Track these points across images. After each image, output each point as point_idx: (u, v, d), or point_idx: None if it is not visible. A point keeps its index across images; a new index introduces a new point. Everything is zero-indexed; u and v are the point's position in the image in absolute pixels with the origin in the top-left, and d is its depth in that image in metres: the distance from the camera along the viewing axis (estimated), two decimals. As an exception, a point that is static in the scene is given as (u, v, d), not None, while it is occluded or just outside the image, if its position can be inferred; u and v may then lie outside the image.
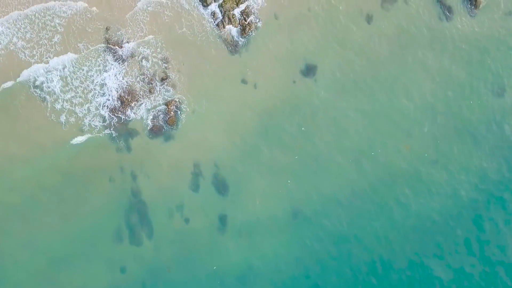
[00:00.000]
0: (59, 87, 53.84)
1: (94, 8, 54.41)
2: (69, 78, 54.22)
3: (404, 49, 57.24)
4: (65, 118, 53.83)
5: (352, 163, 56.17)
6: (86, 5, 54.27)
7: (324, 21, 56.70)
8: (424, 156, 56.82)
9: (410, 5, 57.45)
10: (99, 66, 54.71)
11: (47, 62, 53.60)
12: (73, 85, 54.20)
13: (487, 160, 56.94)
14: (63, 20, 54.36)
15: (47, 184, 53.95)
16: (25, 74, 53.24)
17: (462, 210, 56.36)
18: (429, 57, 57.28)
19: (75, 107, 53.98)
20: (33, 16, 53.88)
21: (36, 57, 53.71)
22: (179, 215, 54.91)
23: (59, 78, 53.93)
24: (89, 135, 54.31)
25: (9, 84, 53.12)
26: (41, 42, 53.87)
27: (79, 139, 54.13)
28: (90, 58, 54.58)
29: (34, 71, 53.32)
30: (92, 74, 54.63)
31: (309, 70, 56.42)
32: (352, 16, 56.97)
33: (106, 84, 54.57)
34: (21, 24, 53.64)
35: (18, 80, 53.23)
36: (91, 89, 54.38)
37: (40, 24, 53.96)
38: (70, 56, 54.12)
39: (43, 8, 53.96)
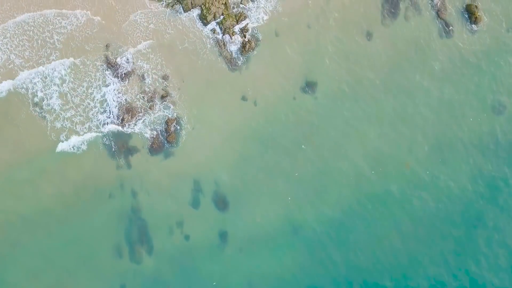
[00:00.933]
0: (58, 104, 53.75)
1: (96, 21, 54.16)
2: (69, 95, 54.11)
3: (404, 66, 57.34)
4: (65, 136, 53.71)
5: (352, 180, 56.23)
6: (86, 19, 54.09)
7: (324, 38, 56.79)
8: (425, 174, 56.84)
9: (410, 22, 57.53)
10: (99, 82, 54.60)
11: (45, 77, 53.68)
12: (73, 103, 54.09)
13: (488, 177, 57.07)
14: (62, 37, 54.21)
15: (47, 200, 53.81)
16: (23, 77, 53.07)
17: (465, 229, 56.54)
18: (429, 74, 57.33)
19: (75, 125, 53.88)
20: (31, 32, 53.74)
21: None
22: (179, 232, 54.89)
23: (58, 95, 53.87)
24: (89, 152, 54.17)
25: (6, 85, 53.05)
26: (40, 61, 53.80)
27: (79, 156, 53.95)
28: (90, 74, 54.48)
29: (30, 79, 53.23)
30: (92, 91, 54.53)
31: (309, 87, 56.45)
32: (352, 33, 57.03)
33: (106, 101, 54.48)
34: (19, 41, 53.53)
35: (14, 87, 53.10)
36: (92, 107, 54.30)
37: (39, 41, 53.82)
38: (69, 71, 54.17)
39: (42, 22, 53.77)
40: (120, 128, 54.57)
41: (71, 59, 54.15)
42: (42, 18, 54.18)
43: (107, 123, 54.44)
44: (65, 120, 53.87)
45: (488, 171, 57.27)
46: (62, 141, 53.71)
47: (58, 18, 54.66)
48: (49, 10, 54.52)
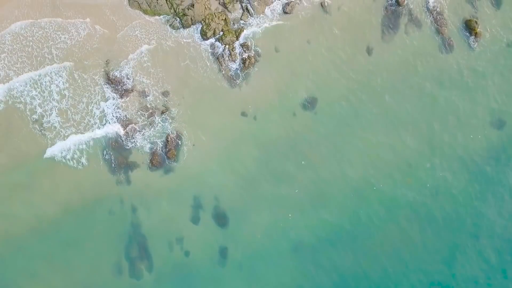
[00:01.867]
0: (58, 121, 53.66)
1: (96, 37, 54.06)
2: (69, 112, 54.03)
3: (405, 81, 57.32)
4: (64, 152, 53.59)
5: (353, 197, 56.10)
6: (86, 34, 54.00)
7: (324, 54, 56.72)
8: (426, 187, 56.74)
9: (411, 37, 57.54)
10: (98, 97, 54.53)
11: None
12: (73, 119, 54.00)
13: (488, 193, 57.00)
14: (61, 52, 54.10)
15: (47, 216, 53.66)
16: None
17: (467, 241, 56.46)
18: (429, 90, 57.35)
19: (76, 144, 53.82)
20: (30, 48, 53.72)
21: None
22: (179, 248, 54.68)
23: (57, 112, 53.79)
24: (89, 167, 54.04)
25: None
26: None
27: (79, 172, 53.82)
28: (89, 90, 54.41)
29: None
30: (92, 107, 54.46)
31: (309, 103, 56.38)
32: (353, 48, 57.02)
33: (106, 117, 54.40)
34: (18, 57, 53.53)
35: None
36: (92, 123, 54.20)
37: (39, 58, 53.79)
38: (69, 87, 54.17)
39: (42, 36, 53.68)
40: (120, 143, 54.43)
41: (72, 73, 54.11)
42: (41, 32, 54.04)
43: (107, 138, 54.31)
44: (65, 137, 53.78)
45: (491, 183, 57.18)
46: (62, 158, 53.61)
47: (58, 33, 54.58)
48: (51, 22, 54.41)
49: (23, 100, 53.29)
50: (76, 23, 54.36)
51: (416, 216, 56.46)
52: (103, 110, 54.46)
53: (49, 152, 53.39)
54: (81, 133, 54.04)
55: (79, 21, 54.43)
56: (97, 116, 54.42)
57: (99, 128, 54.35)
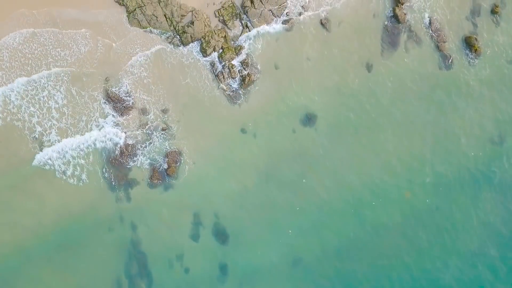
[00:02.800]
0: (57, 139, 53.74)
1: (96, 54, 54.13)
2: (69, 131, 54.04)
3: (404, 98, 57.37)
4: (64, 168, 53.57)
5: (353, 213, 56.15)
6: (86, 51, 54.05)
7: (323, 70, 56.71)
8: (425, 203, 56.71)
9: (411, 54, 57.52)
10: (97, 114, 54.55)
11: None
12: (75, 137, 54.10)
13: (489, 209, 56.98)
14: (60, 69, 54.23)
15: (46, 233, 53.63)
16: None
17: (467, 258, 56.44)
18: (428, 106, 57.31)
19: (76, 158, 53.75)
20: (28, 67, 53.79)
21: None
22: (179, 265, 54.65)
23: (57, 130, 53.83)
24: (90, 184, 54.03)
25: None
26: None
27: (80, 188, 53.80)
28: (88, 107, 54.38)
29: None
30: (91, 125, 54.49)
31: (309, 119, 56.37)
32: (352, 64, 57.03)
33: (106, 135, 54.40)
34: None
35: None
36: (91, 142, 54.20)
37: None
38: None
39: (41, 53, 53.72)
40: (120, 160, 54.42)
41: (70, 89, 54.10)
42: (41, 49, 54.05)
43: (107, 156, 54.31)
44: (65, 154, 53.77)
45: (492, 202, 57.15)
46: (62, 175, 53.60)
47: (57, 50, 54.59)
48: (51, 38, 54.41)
49: (21, 118, 53.24)
50: (76, 39, 54.31)
51: (414, 232, 56.46)
52: (103, 127, 54.41)
53: (46, 166, 53.25)
54: (81, 150, 54.01)
55: (80, 37, 54.37)
56: (96, 133, 54.35)
57: (99, 145, 54.29)
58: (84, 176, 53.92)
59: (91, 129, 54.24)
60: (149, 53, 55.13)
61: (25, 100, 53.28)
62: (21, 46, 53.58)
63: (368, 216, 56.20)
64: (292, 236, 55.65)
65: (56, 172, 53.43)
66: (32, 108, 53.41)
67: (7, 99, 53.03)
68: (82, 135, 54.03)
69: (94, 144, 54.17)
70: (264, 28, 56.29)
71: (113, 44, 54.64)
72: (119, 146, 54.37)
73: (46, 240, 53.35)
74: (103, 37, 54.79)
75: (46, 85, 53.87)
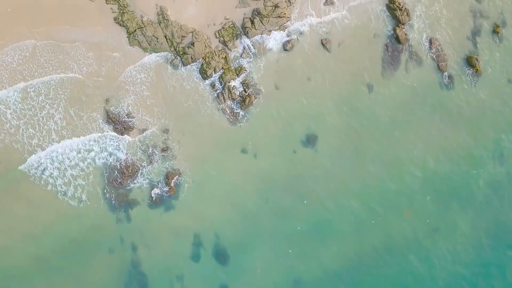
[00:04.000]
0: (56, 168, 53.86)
1: (96, 75, 54.27)
2: (67, 150, 54.08)
3: (405, 118, 57.24)
4: (65, 189, 53.53)
5: (353, 232, 56.10)
6: (87, 72, 54.06)
7: (324, 91, 56.60)
8: (426, 223, 56.60)
9: (411, 74, 57.43)
10: (97, 134, 54.59)
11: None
12: (75, 159, 54.03)
13: (487, 228, 56.91)
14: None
15: (47, 254, 53.65)
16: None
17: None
18: (429, 125, 57.22)
19: (76, 179, 53.70)
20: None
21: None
22: (180, 286, 54.66)
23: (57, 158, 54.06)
24: (90, 205, 53.99)
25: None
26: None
27: (80, 209, 53.76)
28: (88, 128, 54.35)
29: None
30: (92, 146, 54.50)
31: (309, 140, 56.29)
32: (353, 85, 56.93)
33: (107, 155, 54.39)
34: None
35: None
36: (92, 160, 54.16)
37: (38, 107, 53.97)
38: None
39: (42, 81, 53.83)
40: (120, 181, 54.38)
41: (68, 110, 54.12)
42: (41, 71, 54.04)
43: (107, 176, 54.30)
44: (65, 176, 53.77)
45: (491, 222, 57.06)
46: (62, 196, 53.59)
47: (58, 71, 54.54)
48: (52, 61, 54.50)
49: (19, 139, 53.23)
50: (77, 60, 54.34)
51: (416, 254, 56.37)
52: (102, 148, 54.42)
53: (50, 187, 53.36)
54: (81, 170, 53.99)
55: (81, 58, 54.42)
56: (97, 153, 54.34)
57: (99, 165, 54.26)
58: (84, 197, 53.88)
59: (90, 150, 54.19)
60: (150, 73, 55.12)
61: (22, 121, 53.25)
62: (20, 66, 53.59)
63: (368, 236, 56.03)
64: (292, 256, 55.57)
65: (59, 194, 53.49)
66: (31, 130, 53.47)
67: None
68: (83, 161, 54.08)
69: (94, 164, 54.08)
70: (265, 48, 56.16)
71: (114, 64, 54.68)
72: (119, 166, 54.29)
73: (47, 263, 53.37)
74: (104, 57, 54.78)
75: (44, 103, 53.86)
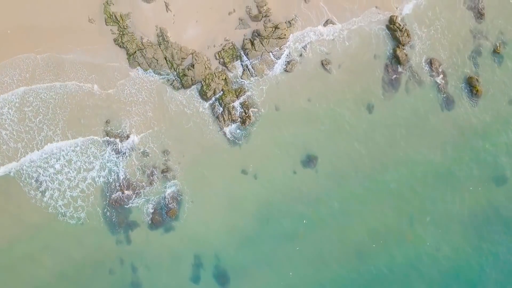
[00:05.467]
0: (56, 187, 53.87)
1: (97, 95, 54.26)
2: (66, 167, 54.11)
3: (405, 139, 56.99)
4: (64, 210, 53.53)
5: (354, 254, 55.87)
6: (87, 93, 54.10)
7: (324, 112, 56.48)
8: (426, 245, 56.43)
9: (411, 94, 57.29)
10: (97, 155, 54.55)
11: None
12: (75, 179, 53.97)
13: (488, 247, 56.77)
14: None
15: (47, 276, 53.73)
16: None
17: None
18: (429, 147, 57.04)
19: (77, 200, 53.73)
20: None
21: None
22: (180, 308, 54.55)
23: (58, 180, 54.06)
24: (90, 226, 54.00)
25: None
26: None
27: (80, 231, 53.74)
28: (87, 150, 54.38)
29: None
30: (92, 166, 54.52)
31: (310, 161, 56.14)
32: (353, 105, 56.78)
33: (107, 176, 54.41)
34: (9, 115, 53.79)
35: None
36: (92, 181, 54.15)
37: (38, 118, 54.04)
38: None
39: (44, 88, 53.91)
40: (120, 202, 54.32)
41: (65, 132, 54.16)
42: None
43: (107, 197, 54.30)
44: (65, 197, 53.77)
45: (490, 243, 56.85)
46: (61, 216, 53.60)
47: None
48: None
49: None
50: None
51: (418, 275, 56.18)
52: (105, 169, 54.45)
53: (50, 209, 53.37)
54: (81, 191, 54.02)
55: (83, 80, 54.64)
56: (97, 174, 54.34)
57: (99, 187, 54.24)
58: (84, 218, 53.90)
59: (90, 170, 54.23)
60: (149, 95, 55.15)
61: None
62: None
63: (369, 258, 55.82)
64: (293, 278, 55.38)
65: (58, 216, 53.54)
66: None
67: None
68: (84, 181, 54.12)
69: (95, 184, 54.02)
70: (265, 70, 56.06)
71: (115, 85, 54.74)
72: (119, 188, 54.25)
73: (46, 285, 53.28)
74: (104, 80, 54.81)
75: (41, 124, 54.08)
